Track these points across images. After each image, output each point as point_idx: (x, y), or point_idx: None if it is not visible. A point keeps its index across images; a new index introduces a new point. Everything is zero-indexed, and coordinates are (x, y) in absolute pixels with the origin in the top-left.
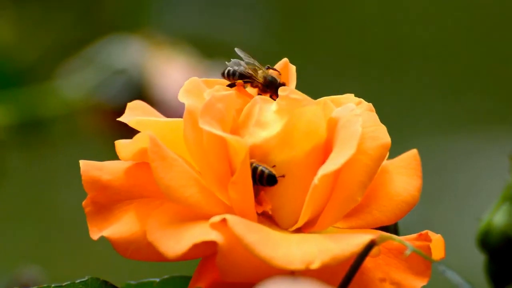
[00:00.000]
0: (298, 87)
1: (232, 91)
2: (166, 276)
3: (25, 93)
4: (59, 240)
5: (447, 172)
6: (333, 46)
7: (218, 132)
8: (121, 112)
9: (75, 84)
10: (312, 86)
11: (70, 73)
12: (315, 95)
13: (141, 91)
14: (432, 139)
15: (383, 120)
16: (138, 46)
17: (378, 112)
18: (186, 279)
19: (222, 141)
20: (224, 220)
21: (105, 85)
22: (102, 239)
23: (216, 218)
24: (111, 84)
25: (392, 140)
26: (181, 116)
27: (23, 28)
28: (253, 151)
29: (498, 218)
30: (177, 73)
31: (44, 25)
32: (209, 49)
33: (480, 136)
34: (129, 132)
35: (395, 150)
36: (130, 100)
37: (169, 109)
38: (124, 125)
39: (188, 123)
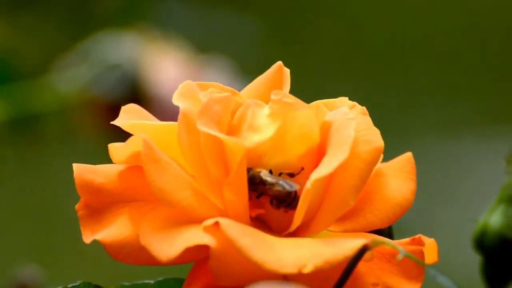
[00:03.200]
0: (292, 90)
1: (228, 93)
2: (160, 278)
3: (19, 88)
4: (57, 240)
5: (447, 173)
6: (330, 46)
7: (216, 133)
8: (115, 107)
9: (69, 79)
10: (309, 88)
11: (65, 68)
12: (312, 96)
13: (135, 86)
14: (431, 141)
15: (381, 122)
16: (132, 41)
17: (377, 114)
18: (181, 282)
19: (219, 143)
20: (217, 224)
21: (99, 80)
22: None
23: (209, 222)
24: (106, 79)
25: (390, 142)
26: (174, 111)
27: (17, 26)
28: (246, 156)
29: (494, 219)
30: (171, 68)
31: (38, 21)
32: (203, 44)
33: (479, 137)
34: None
35: (394, 152)
36: (124, 95)
37: (163, 104)
38: None
39: (182, 125)
